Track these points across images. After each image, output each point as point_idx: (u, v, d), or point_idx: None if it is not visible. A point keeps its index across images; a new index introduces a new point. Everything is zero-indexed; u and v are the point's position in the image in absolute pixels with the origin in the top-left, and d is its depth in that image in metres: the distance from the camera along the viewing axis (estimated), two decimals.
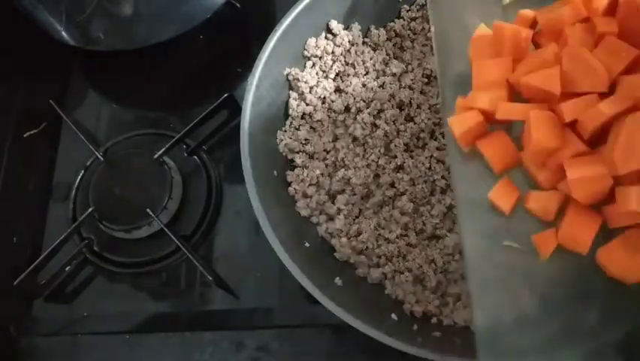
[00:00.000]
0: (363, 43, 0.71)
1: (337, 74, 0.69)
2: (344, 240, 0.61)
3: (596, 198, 0.47)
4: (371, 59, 0.70)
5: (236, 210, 0.73)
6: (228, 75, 0.82)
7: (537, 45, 0.55)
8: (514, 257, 0.49)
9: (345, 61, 0.70)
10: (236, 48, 0.84)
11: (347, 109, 0.68)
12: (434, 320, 0.58)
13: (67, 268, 0.71)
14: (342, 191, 0.64)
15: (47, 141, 0.80)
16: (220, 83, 0.81)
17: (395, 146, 0.65)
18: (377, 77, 0.69)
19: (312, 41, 0.68)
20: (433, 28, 0.59)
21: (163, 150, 0.72)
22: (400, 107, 0.67)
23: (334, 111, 0.68)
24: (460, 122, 0.52)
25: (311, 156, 0.66)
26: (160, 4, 0.72)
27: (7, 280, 0.66)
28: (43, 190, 0.77)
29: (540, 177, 0.50)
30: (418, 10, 0.72)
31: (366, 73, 0.70)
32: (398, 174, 0.64)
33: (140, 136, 0.78)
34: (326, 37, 0.70)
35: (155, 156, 0.72)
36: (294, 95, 0.68)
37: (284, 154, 0.66)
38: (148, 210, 0.68)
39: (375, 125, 0.66)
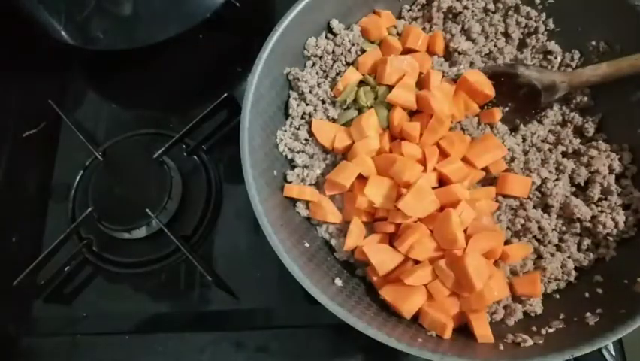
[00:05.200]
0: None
1: (337, 74, 0.69)
2: (344, 240, 0.61)
3: None
4: None
5: (236, 210, 0.73)
6: (228, 75, 0.82)
7: None
8: None
9: (345, 61, 0.69)
10: (236, 48, 0.84)
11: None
12: None
13: (66, 269, 0.71)
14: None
15: (46, 141, 0.80)
16: (220, 82, 0.81)
17: None
18: None
19: (312, 41, 0.68)
20: None
21: (162, 149, 0.72)
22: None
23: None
24: None
25: (311, 156, 0.66)
26: (159, 3, 0.72)
27: (6, 280, 0.66)
28: (43, 190, 0.77)
29: None
30: (419, 10, 0.72)
31: None
32: None
33: (139, 136, 0.78)
34: (326, 37, 0.69)
35: (155, 156, 0.72)
36: (294, 94, 0.68)
37: (284, 154, 0.66)
38: (147, 210, 0.68)
39: None
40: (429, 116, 0.63)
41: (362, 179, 0.61)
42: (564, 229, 0.61)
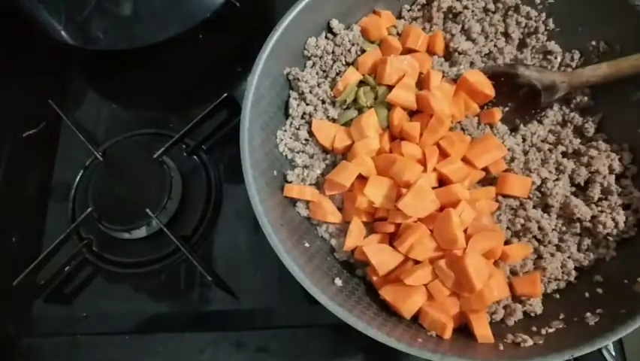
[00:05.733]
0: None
1: (337, 74, 0.69)
2: (344, 240, 0.61)
3: None
4: None
5: (236, 210, 0.73)
6: (228, 75, 0.82)
7: None
8: None
9: (345, 61, 0.69)
10: (236, 48, 0.84)
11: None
12: None
13: (66, 269, 0.71)
14: None
15: (46, 141, 0.80)
16: (220, 82, 0.81)
17: None
18: None
19: (312, 41, 0.68)
20: None
21: (162, 149, 0.72)
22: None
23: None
24: None
25: (311, 156, 0.66)
26: (159, 3, 0.72)
27: (6, 280, 0.66)
28: (43, 190, 0.76)
29: None
30: (419, 10, 0.72)
31: None
32: None
33: (139, 136, 0.78)
34: (326, 37, 0.69)
35: (155, 156, 0.72)
36: (294, 94, 0.68)
37: (284, 154, 0.66)
38: (147, 210, 0.68)
39: None
40: (429, 116, 0.63)
41: (362, 179, 0.61)
42: (564, 229, 0.61)
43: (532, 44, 0.70)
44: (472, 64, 0.69)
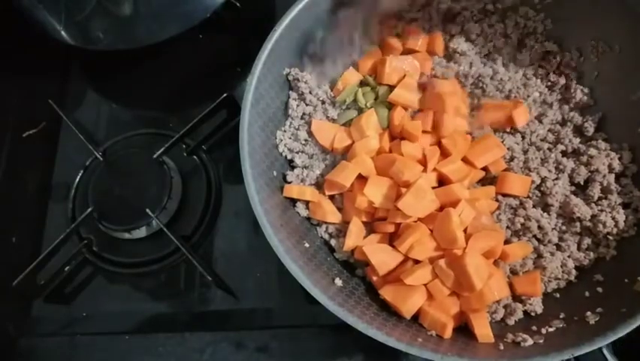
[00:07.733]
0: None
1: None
2: (344, 240, 0.61)
3: None
4: None
5: (235, 210, 0.73)
6: (228, 75, 0.82)
7: None
8: None
9: None
10: (235, 48, 0.84)
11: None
12: None
13: (66, 269, 0.71)
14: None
15: (46, 141, 0.80)
16: (220, 82, 0.81)
17: None
18: None
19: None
20: None
21: (162, 149, 0.72)
22: None
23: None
24: None
25: (310, 157, 0.66)
26: (159, 3, 0.72)
27: (6, 280, 0.66)
28: (43, 190, 0.76)
29: None
30: (418, 11, 0.72)
31: None
32: None
33: (139, 136, 0.78)
34: None
35: (155, 156, 0.72)
36: (293, 95, 0.68)
37: (284, 154, 0.66)
38: (147, 210, 0.68)
39: None
40: (430, 116, 0.63)
41: (362, 179, 0.61)
42: (564, 228, 0.61)
43: (531, 44, 0.70)
44: (471, 64, 0.69)
